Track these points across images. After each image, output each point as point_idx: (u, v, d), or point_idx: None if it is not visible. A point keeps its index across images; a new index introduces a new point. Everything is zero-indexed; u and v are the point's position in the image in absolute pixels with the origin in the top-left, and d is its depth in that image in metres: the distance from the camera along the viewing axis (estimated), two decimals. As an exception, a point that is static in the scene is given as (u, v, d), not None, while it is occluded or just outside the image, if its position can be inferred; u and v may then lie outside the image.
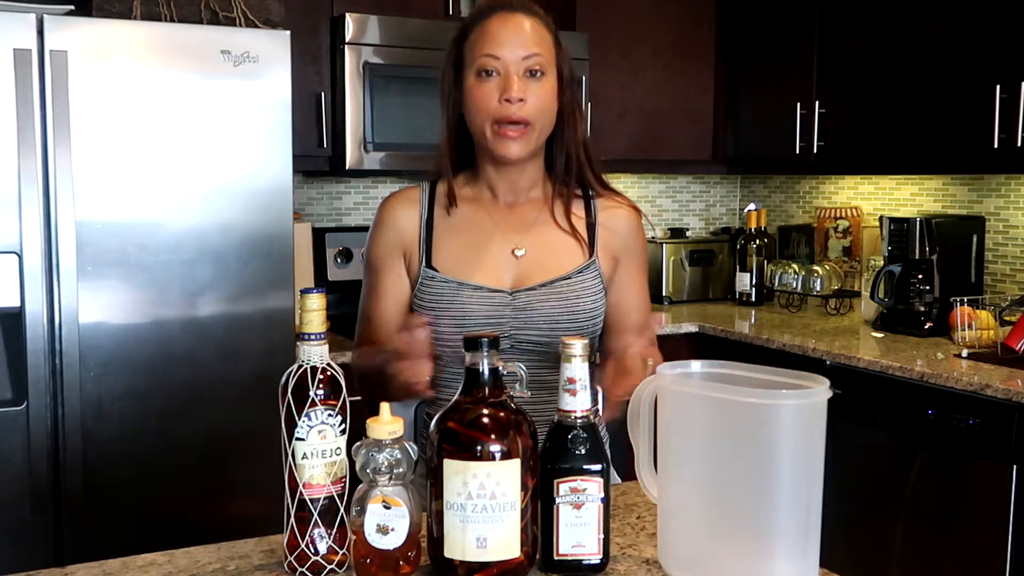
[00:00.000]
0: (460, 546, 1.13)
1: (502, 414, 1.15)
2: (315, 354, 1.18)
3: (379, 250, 1.65)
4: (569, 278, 1.57)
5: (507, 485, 1.12)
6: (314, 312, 1.19)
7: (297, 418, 1.17)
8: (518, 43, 1.51)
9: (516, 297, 1.55)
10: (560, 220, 1.61)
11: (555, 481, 1.16)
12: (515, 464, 1.13)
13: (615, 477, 1.67)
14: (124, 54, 2.41)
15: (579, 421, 1.17)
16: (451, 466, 1.12)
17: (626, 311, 1.64)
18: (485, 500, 1.12)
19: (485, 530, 1.12)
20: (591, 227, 1.62)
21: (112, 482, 2.45)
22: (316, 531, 1.18)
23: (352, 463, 1.17)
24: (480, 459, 1.12)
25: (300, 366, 1.18)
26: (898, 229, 3.16)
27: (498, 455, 1.12)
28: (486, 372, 1.16)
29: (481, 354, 1.16)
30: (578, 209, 1.63)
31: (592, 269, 1.60)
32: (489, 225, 1.61)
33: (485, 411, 1.15)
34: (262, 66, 2.54)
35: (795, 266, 3.75)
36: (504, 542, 1.13)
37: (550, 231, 1.61)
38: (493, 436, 1.13)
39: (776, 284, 3.79)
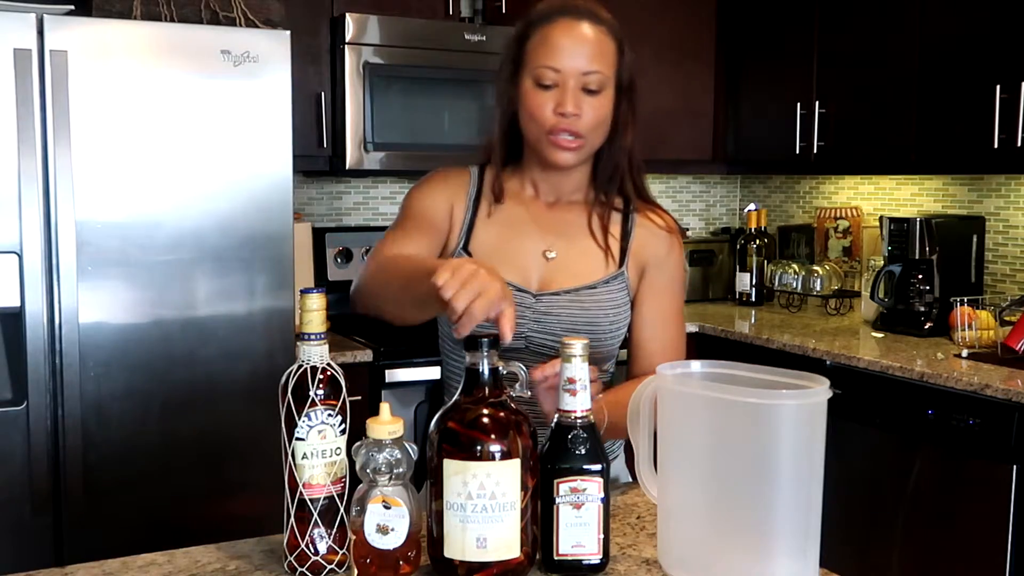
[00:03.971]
0: (460, 546, 1.13)
1: (502, 414, 1.15)
2: (315, 354, 1.18)
3: (432, 200, 1.60)
4: (595, 287, 1.56)
5: (507, 485, 1.12)
6: (314, 312, 1.19)
7: (297, 418, 1.17)
8: (579, 57, 1.48)
9: (540, 300, 1.55)
10: (595, 231, 1.60)
11: (555, 481, 1.16)
12: (515, 464, 1.13)
13: (626, 475, 1.67)
14: (124, 54, 2.41)
15: (579, 421, 1.17)
16: (451, 466, 1.12)
17: (643, 327, 1.61)
18: (485, 500, 1.12)
19: (485, 530, 1.12)
20: (624, 240, 1.60)
21: (112, 482, 2.45)
22: (316, 531, 1.18)
23: (352, 463, 1.17)
24: (480, 459, 1.12)
25: (300, 366, 1.18)
26: (898, 229, 3.16)
27: (498, 455, 1.12)
28: (486, 372, 1.16)
29: (481, 354, 1.16)
30: (615, 224, 1.61)
31: (619, 280, 1.58)
32: (526, 221, 1.60)
33: (485, 411, 1.15)
34: (262, 66, 2.54)
35: (795, 266, 3.75)
36: (504, 542, 1.13)
37: (583, 238, 1.60)
38: (493, 436, 1.13)
39: (776, 284, 3.79)
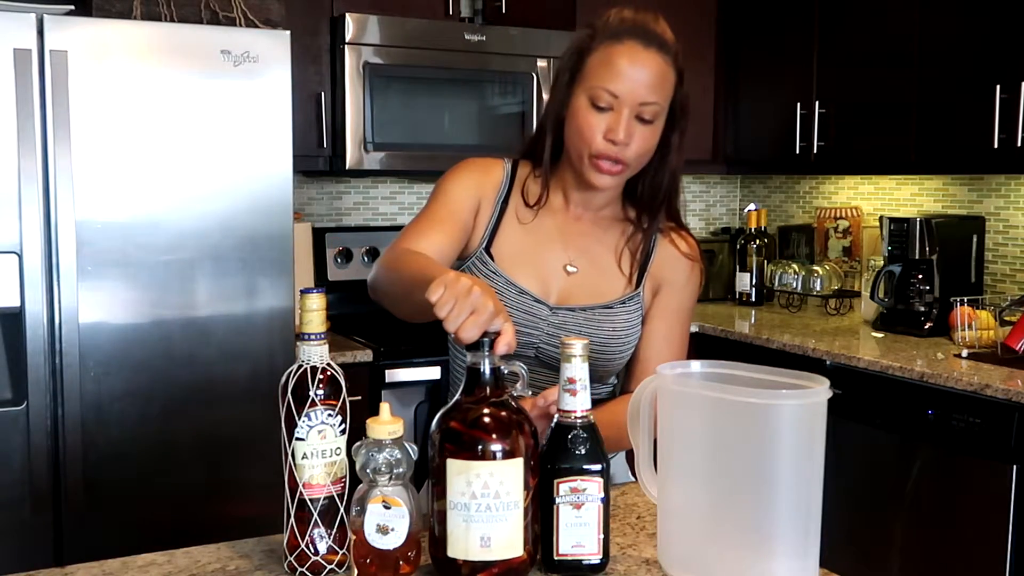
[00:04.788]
0: (463, 546, 1.13)
1: (504, 413, 1.15)
2: (315, 354, 1.18)
3: (462, 190, 1.58)
4: (611, 307, 1.56)
5: (510, 484, 1.12)
6: (314, 312, 1.18)
7: (297, 418, 1.17)
8: (640, 86, 1.46)
9: (556, 313, 1.54)
10: (620, 252, 1.59)
11: (555, 481, 1.16)
12: (518, 463, 1.13)
13: (627, 475, 1.66)
14: (124, 54, 2.41)
15: (579, 421, 1.17)
16: (454, 466, 1.13)
17: (647, 345, 1.60)
18: (489, 499, 1.12)
19: (489, 529, 1.12)
20: (644, 260, 1.59)
21: (112, 482, 2.45)
22: (316, 531, 1.18)
23: (352, 463, 1.17)
24: (483, 459, 1.12)
25: (300, 366, 1.18)
26: (898, 229, 3.15)
27: (501, 454, 1.12)
28: (487, 372, 1.16)
29: (482, 354, 1.16)
30: (638, 242, 1.60)
31: (635, 301, 1.58)
32: (552, 232, 1.59)
33: (488, 411, 1.15)
34: (262, 66, 2.54)
35: (795, 266, 3.75)
36: (507, 541, 1.13)
37: (606, 256, 1.59)
38: (496, 436, 1.13)
39: (776, 284, 3.79)
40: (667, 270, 1.60)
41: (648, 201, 1.59)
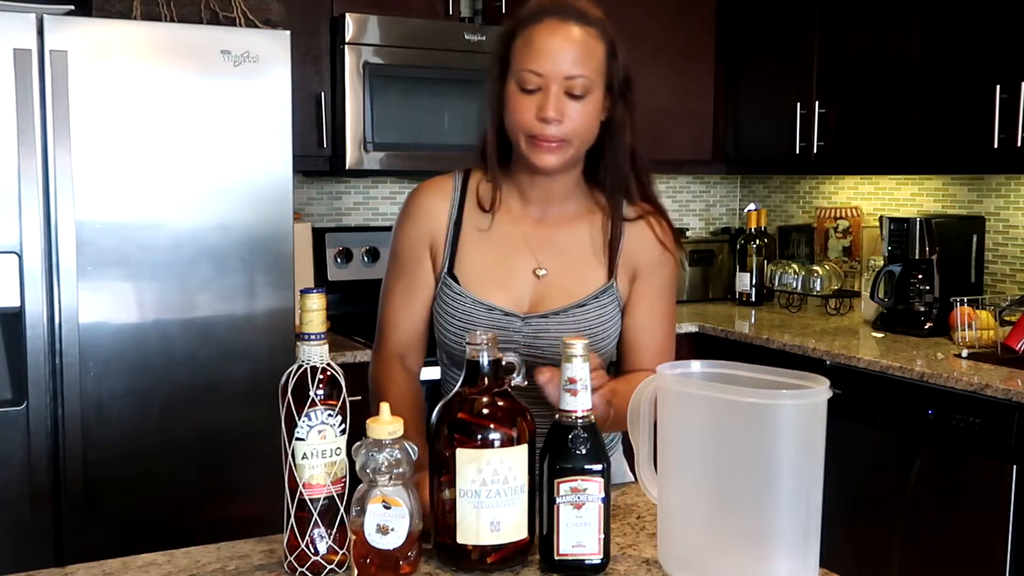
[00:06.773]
0: (475, 531, 1.16)
1: (508, 402, 1.19)
2: (315, 354, 1.18)
3: (408, 242, 1.58)
4: (585, 305, 1.53)
5: (517, 469, 1.17)
6: (314, 312, 1.19)
7: (297, 418, 1.17)
8: (562, 61, 1.43)
9: (528, 323, 1.52)
10: (589, 243, 1.56)
11: (556, 481, 1.17)
12: (523, 449, 1.17)
13: (628, 475, 1.66)
14: (124, 54, 2.41)
15: (579, 421, 1.18)
16: (465, 455, 1.15)
17: (634, 330, 1.58)
18: (499, 485, 1.16)
19: (499, 514, 1.16)
20: (614, 248, 1.56)
21: (112, 482, 2.45)
22: (316, 531, 1.18)
23: (352, 463, 1.18)
24: (493, 446, 1.16)
25: (300, 366, 1.18)
26: (898, 229, 3.16)
27: (509, 441, 1.16)
28: (486, 364, 1.20)
29: (481, 347, 1.20)
30: (606, 228, 1.57)
31: (609, 294, 1.55)
32: (516, 239, 1.56)
33: (494, 401, 1.18)
34: (262, 66, 2.54)
35: (795, 266, 3.75)
36: (515, 524, 1.17)
37: (578, 250, 1.56)
38: (504, 424, 1.17)
39: (776, 284, 3.79)
40: (641, 253, 1.57)
41: (613, 185, 1.56)
